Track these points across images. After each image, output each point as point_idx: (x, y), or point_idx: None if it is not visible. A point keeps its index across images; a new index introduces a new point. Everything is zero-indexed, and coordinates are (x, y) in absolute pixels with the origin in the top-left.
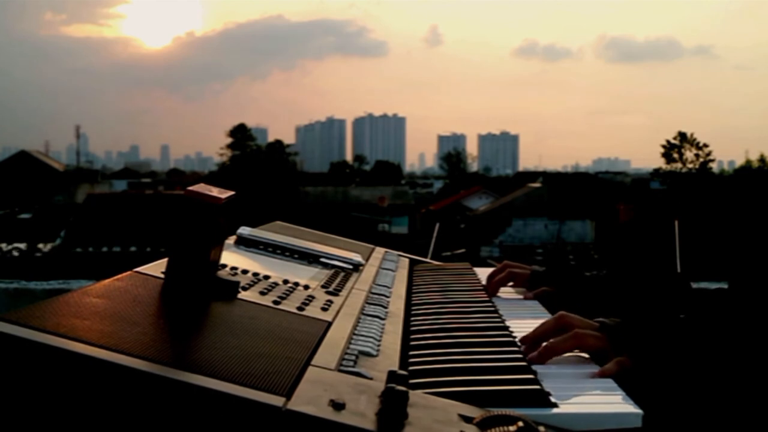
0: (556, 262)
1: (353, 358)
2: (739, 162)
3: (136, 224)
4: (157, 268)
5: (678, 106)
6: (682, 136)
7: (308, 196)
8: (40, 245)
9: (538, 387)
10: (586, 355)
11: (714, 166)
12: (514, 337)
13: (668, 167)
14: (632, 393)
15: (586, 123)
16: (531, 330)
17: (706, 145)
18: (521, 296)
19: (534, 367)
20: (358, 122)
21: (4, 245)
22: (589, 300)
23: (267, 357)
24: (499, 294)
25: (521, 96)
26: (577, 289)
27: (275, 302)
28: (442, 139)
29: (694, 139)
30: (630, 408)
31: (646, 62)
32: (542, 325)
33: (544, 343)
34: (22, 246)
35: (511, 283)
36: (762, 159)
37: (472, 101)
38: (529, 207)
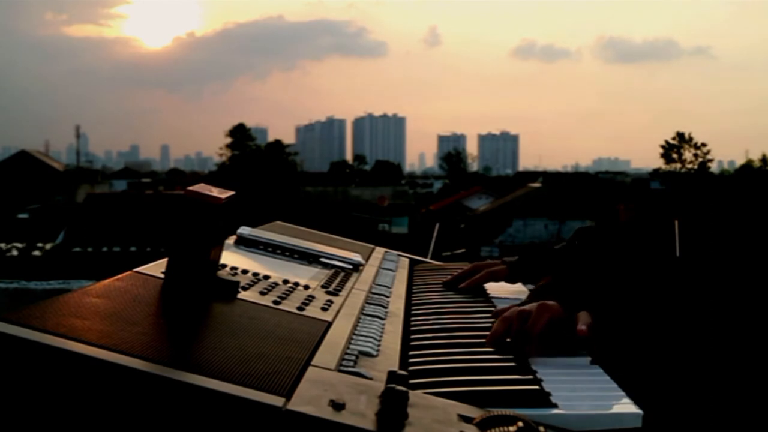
0: (527, 249)
1: (353, 358)
2: (739, 162)
3: (136, 224)
4: (157, 268)
5: (677, 106)
6: (680, 136)
7: (308, 196)
8: (40, 245)
9: (538, 387)
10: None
11: (713, 165)
12: None
13: (667, 167)
14: (632, 393)
15: (586, 123)
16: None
17: (704, 145)
18: (521, 295)
19: (534, 367)
20: (358, 122)
21: (3, 245)
22: (559, 269)
23: (267, 357)
24: (498, 294)
25: (521, 96)
26: (545, 261)
27: (275, 302)
28: (442, 139)
29: (692, 139)
30: (630, 408)
31: (645, 62)
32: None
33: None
34: (22, 246)
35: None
36: (764, 158)
37: (472, 101)
38: (529, 207)
